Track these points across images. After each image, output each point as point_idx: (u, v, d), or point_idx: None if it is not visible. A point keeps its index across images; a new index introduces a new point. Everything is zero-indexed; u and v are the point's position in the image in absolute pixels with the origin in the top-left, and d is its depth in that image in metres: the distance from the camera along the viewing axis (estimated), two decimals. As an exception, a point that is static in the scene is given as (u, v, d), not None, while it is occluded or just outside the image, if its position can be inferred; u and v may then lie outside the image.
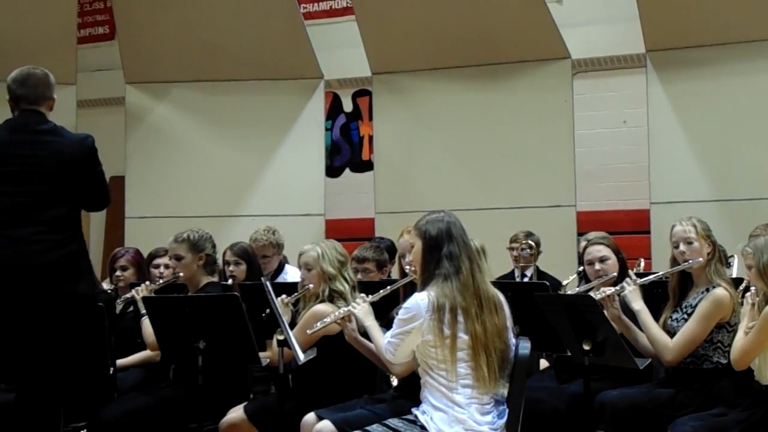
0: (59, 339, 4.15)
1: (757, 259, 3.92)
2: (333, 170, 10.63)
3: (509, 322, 3.75)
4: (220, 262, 5.64)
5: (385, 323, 4.17)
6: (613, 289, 4.43)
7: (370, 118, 9.39)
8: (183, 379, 4.79)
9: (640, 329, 4.40)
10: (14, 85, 4.35)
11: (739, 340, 3.94)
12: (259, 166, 8.81)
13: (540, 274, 6.96)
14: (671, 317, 4.40)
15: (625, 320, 4.40)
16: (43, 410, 4.12)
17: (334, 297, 4.54)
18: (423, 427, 3.59)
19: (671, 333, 4.32)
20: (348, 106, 10.94)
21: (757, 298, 3.91)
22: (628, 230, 8.26)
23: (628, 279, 4.50)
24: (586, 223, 7.79)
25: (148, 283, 5.29)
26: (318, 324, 4.26)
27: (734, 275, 4.77)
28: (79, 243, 4.30)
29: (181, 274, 5.05)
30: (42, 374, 4.15)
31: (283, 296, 4.57)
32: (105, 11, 11.37)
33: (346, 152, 10.99)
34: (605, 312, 4.24)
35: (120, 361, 5.08)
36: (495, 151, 8.20)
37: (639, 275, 4.70)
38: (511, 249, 7.12)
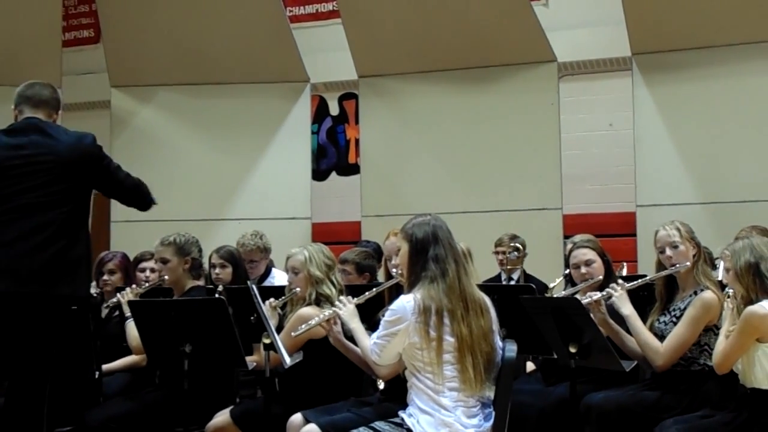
0: (46, 343, 4.11)
1: (735, 262, 3.93)
2: (319, 173, 10.62)
3: (495, 325, 3.74)
4: (206, 265, 5.62)
5: (372, 326, 4.16)
6: (599, 294, 4.44)
7: (357, 122, 9.39)
8: (169, 384, 4.78)
9: (627, 332, 4.41)
10: (16, 95, 4.34)
11: (720, 343, 3.95)
12: (246, 169, 8.78)
13: (526, 277, 6.96)
14: (658, 320, 4.41)
15: (612, 324, 4.41)
16: (25, 414, 4.08)
17: (321, 301, 4.53)
18: (409, 430, 3.59)
19: (659, 336, 4.33)
20: (334, 109, 10.94)
21: (736, 301, 3.93)
22: (614, 233, 8.27)
23: (614, 284, 4.50)
24: (572, 225, 7.79)
25: (134, 286, 5.29)
26: (303, 326, 4.25)
27: (720, 278, 4.78)
28: (79, 248, 4.19)
29: (167, 277, 5.04)
30: (26, 378, 4.12)
31: (271, 300, 4.56)
32: (90, 14, 11.34)
33: (333, 155, 10.99)
34: (592, 316, 4.24)
35: (106, 366, 5.06)
36: (481, 154, 8.20)
37: (624, 278, 4.70)
38: (497, 253, 7.10)
